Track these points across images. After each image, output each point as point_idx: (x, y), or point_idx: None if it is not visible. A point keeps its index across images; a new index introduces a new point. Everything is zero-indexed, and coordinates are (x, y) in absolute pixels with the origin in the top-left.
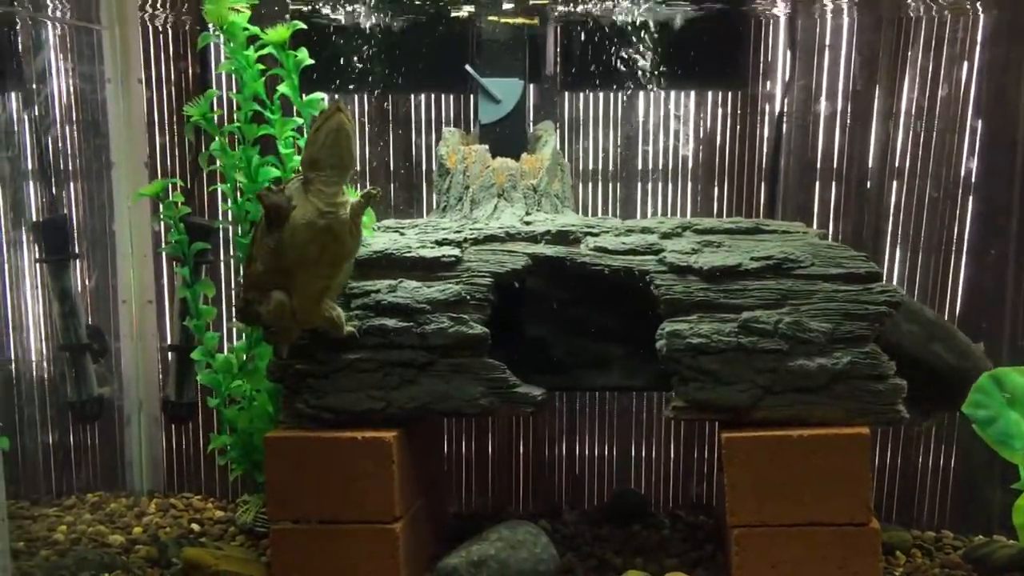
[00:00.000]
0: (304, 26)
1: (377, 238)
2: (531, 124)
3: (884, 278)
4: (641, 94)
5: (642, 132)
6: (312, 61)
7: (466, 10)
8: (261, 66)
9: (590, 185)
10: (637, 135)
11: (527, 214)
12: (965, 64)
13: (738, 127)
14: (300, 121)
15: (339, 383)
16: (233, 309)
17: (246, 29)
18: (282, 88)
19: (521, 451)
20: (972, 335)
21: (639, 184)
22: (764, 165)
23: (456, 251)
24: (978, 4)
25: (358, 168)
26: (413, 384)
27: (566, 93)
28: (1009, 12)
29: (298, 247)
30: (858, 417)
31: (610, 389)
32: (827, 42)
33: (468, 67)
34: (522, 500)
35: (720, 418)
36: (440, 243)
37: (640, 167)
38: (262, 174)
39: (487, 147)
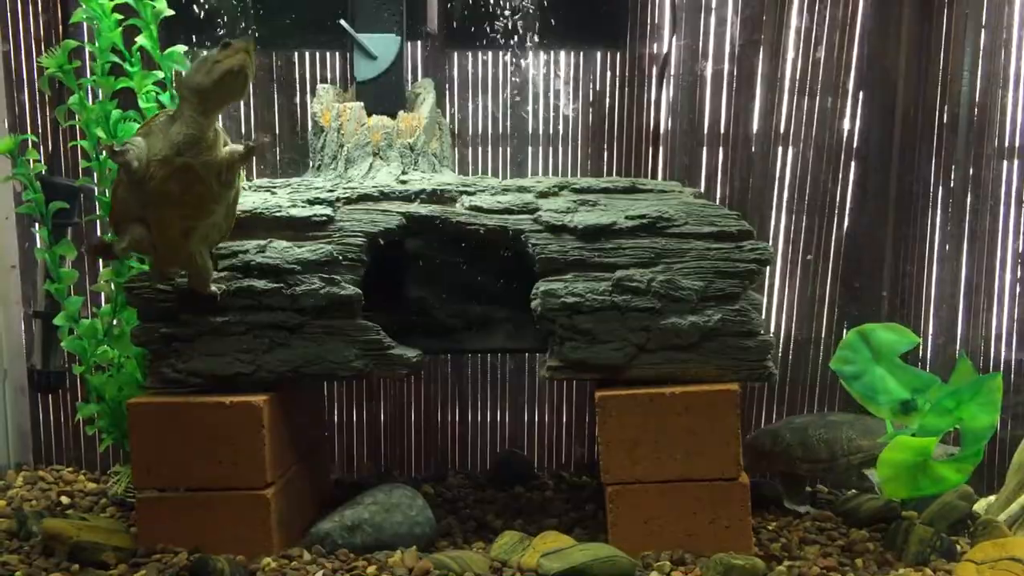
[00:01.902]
0: None
1: (247, 197)
2: (411, 82)
3: (759, 237)
4: (528, 54)
5: (529, 94)
6: (172, 12)
7: None
8: (118, 15)
9: (479, 148)
10: (523, 96)
11: (403, 173)
12: (848, 27)
13: (625, 89)
14: (160, 75)
15: (207, 346)
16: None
17: None
18: (140, 40)
19: (411, 417)
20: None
21: (528, 147)
22: (651, 128)
23: (328, 210)
24: None
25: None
26: (284, 347)
27: (454, 52)
28: None
29: (156, 181)
30: (729, 374)
31: (495, 351)
32: (712, 2)
33: (342, 21)
34: (412, 466)
35: (595, 377)
36: (312, 202)
37: (529, 130)
38: (122, 130)
39: (362, 105)
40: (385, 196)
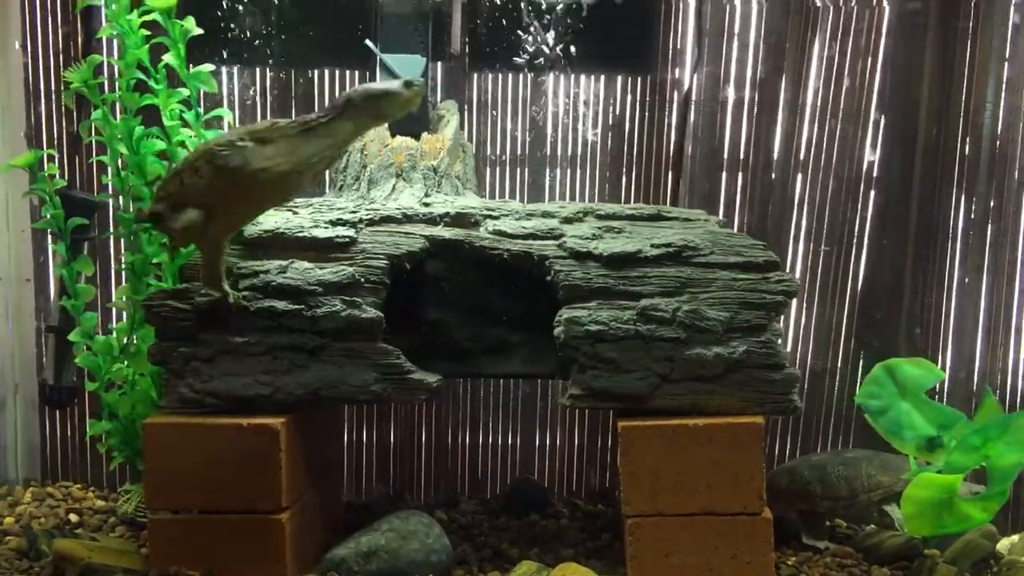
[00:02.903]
0: None
1: (269, 217)
2: (435, 103)
3: (782, 267)
4: (550, 76)
5: (550, 116)
6: (200, 31)
7: None
8: (146, 32)
9: (497, 169)
10: (545, 118)
11: (426, 195)
12: (870, 56)
13: (646, 113)
14: (186, 92)
15: (225, 367)
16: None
17: None
18: (167, 58)
19: (423, 439)
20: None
21: (547, 169)
22: (671, 152)
23: (351, 232)
24: None
25: None
26: (303, 369)
27: (474, 74)
28: (914, 4)
29: (259, 184)
30: (753, 406)
31: (512, 376)
32: (735, 29)
33: (368, 42)
34: (423, 489)
35: (617, 406)
36: (334, 223)
37: (548, 152)
38: (145, 147)
39: (386, 125)
40: (408, 218)
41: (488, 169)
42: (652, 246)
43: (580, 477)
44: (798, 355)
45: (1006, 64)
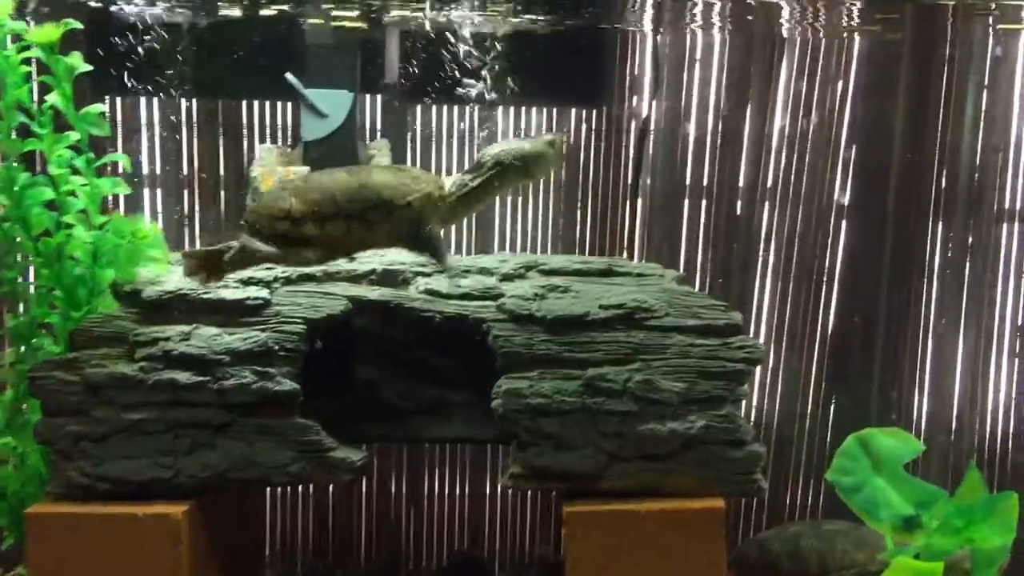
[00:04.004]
0: (79, 25)
1: (172, 274)
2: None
3: (744, 331)
4: (498, 109)
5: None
6: (88, 67)
7: (281, 8)
8: (27, 69)
9: None
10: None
11: None
12: (839, 87)
13: (602, 146)
14: (75, 136)
15: (119, 447)
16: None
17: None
18: (51, 98)
19: (363, 503)
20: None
21: (496, 206)
22: (627, 185)
23: (264, 292)
24: (853, 22)
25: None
26: (208, 449)
27: (416, 107)
28: (888, 34)
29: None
30: (713, 488)
31: (452, 441)
32: (696, 60)
33: (289, 75)
34: (361, 558)
35: (563, 487)
36: (246, 283)
37: None
38: (29, 196)
39: (308, 169)
40: (330, 276)
41: None
42: (601, 307)
43: (530, 543)
44: (764, 400)
45: (984, 91)
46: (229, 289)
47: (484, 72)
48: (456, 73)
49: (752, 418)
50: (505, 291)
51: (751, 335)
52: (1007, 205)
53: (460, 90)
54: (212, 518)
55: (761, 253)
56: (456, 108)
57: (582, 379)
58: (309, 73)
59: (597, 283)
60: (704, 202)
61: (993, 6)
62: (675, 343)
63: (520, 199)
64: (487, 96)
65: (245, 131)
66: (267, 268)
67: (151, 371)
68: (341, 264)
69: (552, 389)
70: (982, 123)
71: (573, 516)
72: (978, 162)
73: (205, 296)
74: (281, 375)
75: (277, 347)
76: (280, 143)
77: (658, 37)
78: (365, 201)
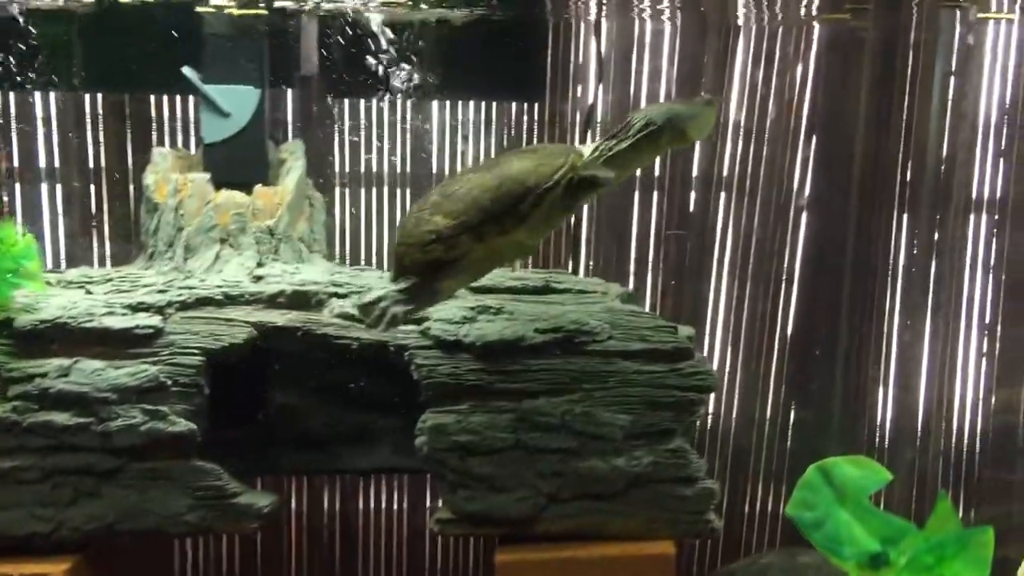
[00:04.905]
0: None
1: (52, 299)
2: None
3: (695, 355)
4: (429, 104)
5: (435, 145)
6: None
7: None
8: None
9: (375, 196)
10: (428, 148)
11: (259, 266)
12: (798, 76)
13: (544, 137)
14: None
15: None
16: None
17: None
18: None
19: (291, 539)
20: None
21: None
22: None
23: (155, 320)
24: (813, 11)
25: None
26: (93, 498)
27: (337, 103)
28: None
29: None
30: (662, 529)
31: (378, 471)
32: (646, 49)
33: (186, 69)
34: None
35: (496, 532)
36: (135, 308)
37: (433, 184)
38: None
39: (209, 176)
40: (232, 300)
41: (363, 196)
42: (537, 331)
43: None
44: (722, 405)
45: (952, 78)
46: (115, 316)
47: (413, 65)
48: (382, 66)
49: (708, 426)
50: (430, 314)
51: (707, 337)
52: (975, 196)
53: (386, 84)
54: (104, 571)
55: (717, 249)
56: (383, 104)
57: (516, 412)
58: (209, 67)
59: (534, 302)
60: (656, 195)
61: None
62: (619, 370)
63: None
64: (416, 91)
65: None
66: (159, 291)
67: (26, 412)
68: (245, 284)
69: (482, 424)
70: (949, 114)
71: (506, 564)
72: (945, 154)
73: (87, 325)
74: (175, 414)
75: (170, 382)
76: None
77: (602, 25)
78: (512, 195)
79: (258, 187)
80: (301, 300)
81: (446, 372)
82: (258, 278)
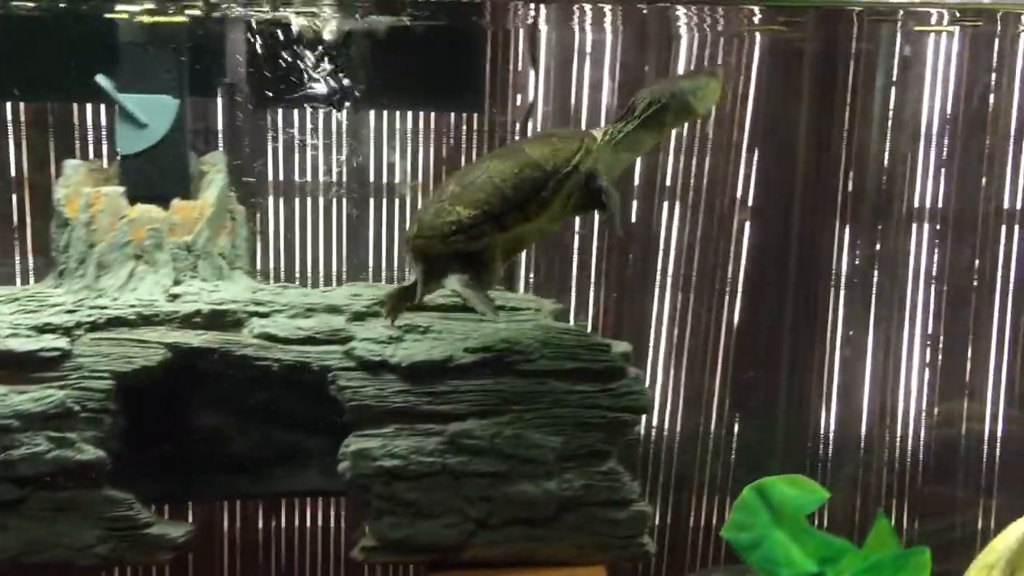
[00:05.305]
0: None
1: None
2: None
3: (628, 373)
4: (364, 114)
5: (371, 154)
6: None
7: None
8: None
9: (309, 206)
10: (361, 156)
11: (175, 284)
12: (740, 84)
13: (484, 145)
14: None
15: None
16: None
17: None
18: None
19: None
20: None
21: (371, 206)
22: None
23: (63, 342)
24: (755, 20)
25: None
26: None
27: (266, 115)
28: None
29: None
30: (594, 554)
31: (308, 494)
32: (586, 59)
33: (100, 78)
34: None
35: (423, 560)
36: (41, 329)
37: (371, 188)
38: None
39: (123, 190)
40: (145, 320)
41: (297, 206)
42: (466, 351)
43: None
44: (666, 420)
45: (893, 88)
46: (19, 338)
47: (345, 74)
48: (312, 75)
49: (652, 440)
50: (355, 333)
51: (649, 349)
52: (916, 205)
53: (318, 93)
54: None
55: (660, 260)
56: (316, 114)
57: (444, 435)
58: (125, 75)
59: (463, 320)
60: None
61: (901, 13)
62: (550, 390)
63: (396, 208)
64: (348, 100)
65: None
66: (68, 311)
67: None
68: (160, 303)
69: (408, 448)
70: (890, 123)
71: None
72: (886, 164)
73: None
74: (84, 441)
75: (78, 408)
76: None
77: (539, 35)
78: (533, 180)
79: (176, 201)
80: (220, 319)
81: (371, 394)
82: (174, 296)
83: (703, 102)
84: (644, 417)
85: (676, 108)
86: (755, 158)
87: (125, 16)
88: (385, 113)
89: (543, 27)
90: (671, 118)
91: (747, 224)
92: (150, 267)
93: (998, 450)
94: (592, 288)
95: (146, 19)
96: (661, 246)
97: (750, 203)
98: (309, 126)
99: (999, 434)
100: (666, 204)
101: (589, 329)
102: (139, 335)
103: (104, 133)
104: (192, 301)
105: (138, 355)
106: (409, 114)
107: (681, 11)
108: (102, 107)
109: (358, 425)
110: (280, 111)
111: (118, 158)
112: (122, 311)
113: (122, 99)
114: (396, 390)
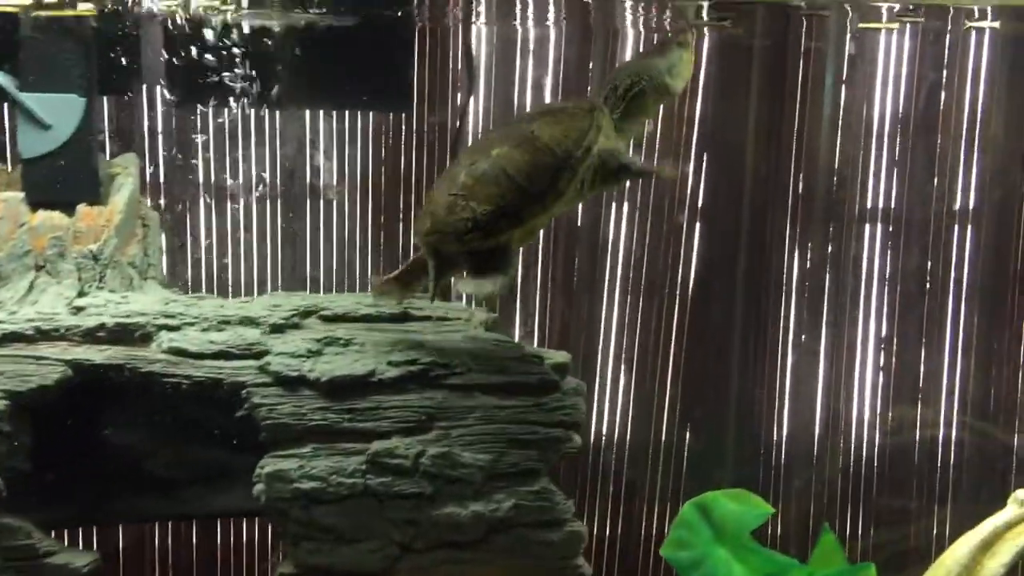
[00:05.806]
0: None
1: None
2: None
3: (562, 386)
4: (286, 114)
5: (305, 156)
6: None
7: None
8: None
9: (240, 211)
10: (292, 159)
11: (80, 295)
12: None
13: (424, 149)
14: None
15: None
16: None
17: None
18: None
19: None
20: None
21: (307, 209)
22: None
23: None
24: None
25: None
26: None
27: (185, 112)
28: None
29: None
30: None
31: (232, 515)
32: (529, 55)
33: (0, 75)
34: None
35: None
36: None
37: (307, 191)
38: None
39: (23, 196)
40: (44, 334)
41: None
42: (390, 364)
43: None
44: (615, 430)
45: (843, 87)
46: None
47: (265, 72)
48: (232, 74)
49: (602, 448)
50: (272, 347)
51: (598, 357)
52: (868, 207)
53: (237, 92)
54: None
55: (608, 265)
56: (234, 114)
57: (366, 455)
58: (27, 73)
59: (389, 331)
60: None
61: (848, 10)
62: (479, 405)
63: (330, 212)
64: (267, 100)
65: None
66: None
67: None
68: (62, 316)
69: (328, 469)
70: (840, 123)
71: None
72: (836, 164)
73: None
74: None
75: None
76: None
77: (472, 30)
78: (547, 168)
79: (81, 207)
80: (126, 334)
81: (287, 412)
82: (78, 309)
83: (679, 79)
84: (576, 434)
85: (654, 91)
86: (704, 159)
87: (14, 9)
88: (308, 114)
89: (481, 22)
90: (650, 102)
91: (697, 226)
92: (52, 278)
93: (952, 455)
94: (538, 294)
95: (40, 13)
96: (609, 250)
97: (698, 206)
98: (229, 127)
99: (953, 438)
100: (614, 205)
101: (531, 335)
102: (37, 351)
103: (6, 135)
104: (97, 314)
105: (35, 373)
106: (334, 115)
107: (628, 4)
108: (4, 107)
109: (274, 445)
110: (197, 110)
111: (21, 161)
112: (19, 326)
113: (23, 98)
114: (315, 407)
